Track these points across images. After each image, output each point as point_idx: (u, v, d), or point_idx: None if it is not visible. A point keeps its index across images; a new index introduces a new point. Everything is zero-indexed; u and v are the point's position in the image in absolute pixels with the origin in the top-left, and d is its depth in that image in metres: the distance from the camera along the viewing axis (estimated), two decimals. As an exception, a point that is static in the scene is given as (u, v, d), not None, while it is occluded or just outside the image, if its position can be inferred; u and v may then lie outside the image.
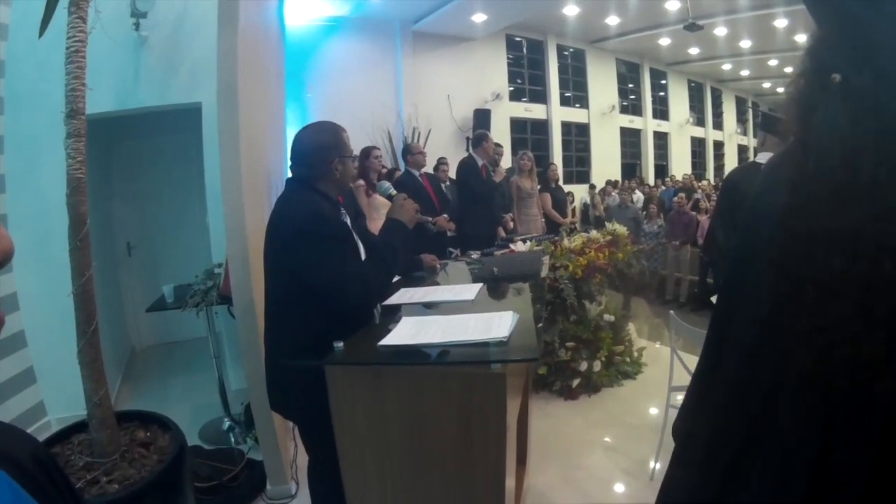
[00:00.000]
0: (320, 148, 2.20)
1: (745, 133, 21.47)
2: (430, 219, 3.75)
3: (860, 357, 0.69)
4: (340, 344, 1.84)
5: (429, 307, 2.42)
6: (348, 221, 2.27)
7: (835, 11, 0.81)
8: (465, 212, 5.92)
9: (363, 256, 2.25)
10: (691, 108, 19.48)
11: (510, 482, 1.94)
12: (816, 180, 0.77)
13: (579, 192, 13.59)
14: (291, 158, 2.24)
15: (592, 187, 14.44)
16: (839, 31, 0.81)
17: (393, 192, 2.77)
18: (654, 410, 4.10)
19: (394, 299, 2.52)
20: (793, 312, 0.78)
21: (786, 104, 0.91)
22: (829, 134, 0.77)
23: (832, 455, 0.74)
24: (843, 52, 0.79)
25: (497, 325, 1.86)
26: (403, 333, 1.91)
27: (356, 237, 2.26)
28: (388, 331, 1.95)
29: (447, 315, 2.13)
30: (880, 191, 0.70)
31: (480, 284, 2.69)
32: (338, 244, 2.08)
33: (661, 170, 17.87)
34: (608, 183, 14.40)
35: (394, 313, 2.29)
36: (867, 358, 0.68)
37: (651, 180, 16.37)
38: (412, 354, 1.79)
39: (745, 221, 0.97)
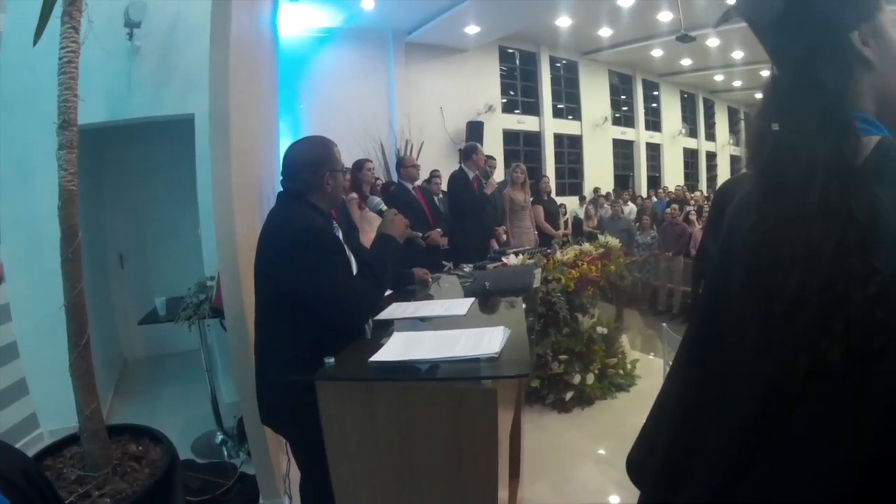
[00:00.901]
0: (311, 162, 2.21)
1: (737, 144, 21.49)
2: (421, 234, 3.75)
3: (821, 367, 0.71)
4: (331, 359, 1.84)
5: (420, 322, 2.42)
6: (340, 235, 2.28)
7: (785, 56, 0.87)
8: (456, 225, 5.90)
9: (355, 270, 2.25)
10: (684, 119, 19.58)
11: (503, 495, 1.94)
12: (774, 202, 0.81)
13: (572, 205, 13.61)
14: (283, 173, 2.25)
15: (583, 199, 14.46)
16: (787, 75, 0.86)
17: (383, 207, 2.77)
18: (647, 422, 4.09)
19: (385, 314, 2.52)
20: (759, 328, 0.81)
21: (747, 131, 0.95)
22: (778, 160, 0.82)
23: (800, 457, 0.77)
24: (785, 97, 0.84)
25: (488, 340, 1.86)
26: (394, 349, 1.91)
27: (348, 251, 2.27)
28: (380, 346, 1.95)
29: (438, 330, 2.15)
30: (831, 211, 0.73)
31: (472, 299, 2.69)
32: (330, 257, 2.09)
33: (654, 181, 17.93)
34: (596, 192, 14.44)
35: (385, 328, 2.30)
36: (827, 367, 0.71)
37: (644, 192, 16.42)
38: (403, 370, 1.79)
39: (720, 242, 0.99)
